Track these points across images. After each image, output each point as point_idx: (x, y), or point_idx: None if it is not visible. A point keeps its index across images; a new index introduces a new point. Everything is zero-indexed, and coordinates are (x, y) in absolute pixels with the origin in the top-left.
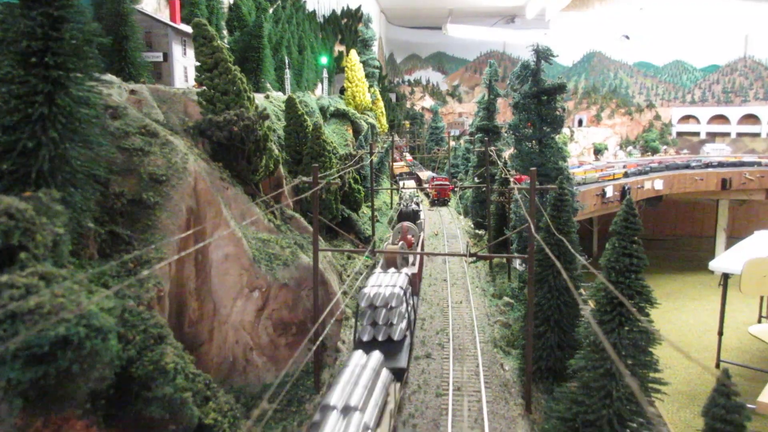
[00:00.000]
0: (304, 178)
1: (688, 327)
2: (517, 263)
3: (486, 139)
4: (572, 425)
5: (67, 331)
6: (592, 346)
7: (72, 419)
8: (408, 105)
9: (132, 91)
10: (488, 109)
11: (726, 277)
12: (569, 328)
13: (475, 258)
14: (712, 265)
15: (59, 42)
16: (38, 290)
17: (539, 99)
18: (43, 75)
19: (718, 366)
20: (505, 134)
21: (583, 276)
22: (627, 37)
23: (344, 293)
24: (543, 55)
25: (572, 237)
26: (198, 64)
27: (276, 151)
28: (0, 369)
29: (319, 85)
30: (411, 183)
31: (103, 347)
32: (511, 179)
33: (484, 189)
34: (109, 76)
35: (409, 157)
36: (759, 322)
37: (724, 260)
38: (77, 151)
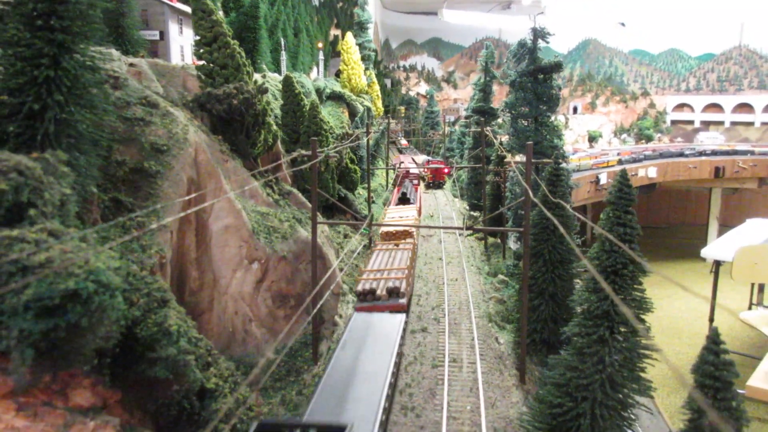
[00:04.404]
0: (303, 151)
1: (679, 313)
2: (511, 242)
3: (482, 120)
4: (566, 390)
5: (76, 285)
6: (585, 313)
7: (79, 376)
8: (403, 91)
9: (131, 64)
10: (484, 91)
11: (718, 264)
12: (563, 301)
13: (471, 231)
14: (704, 252)
15: (65, 5)
16: (48, 246)
17: (536, 77)
18: (48, 38)
19: None
20: (501, 113)
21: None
22: (623, 25)
23: (340, 269)
24: (540, 33)
25: (567, 211)
26: (197, 38)
27: (275, 127)
28: (13, 319)
29: (314, 69)
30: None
31: (111, 304)
32: (508, 156)
33: (480, 171)
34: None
35: (404, 141)
36: (750, 308)
37: (716, 248)
38: (82, 114)
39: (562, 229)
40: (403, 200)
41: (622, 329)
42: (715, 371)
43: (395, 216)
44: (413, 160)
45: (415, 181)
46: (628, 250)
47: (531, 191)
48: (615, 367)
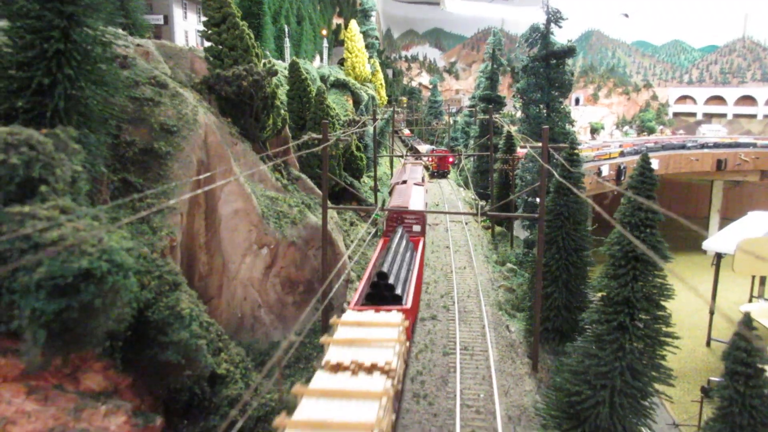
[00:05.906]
0: (314, 135)
1: (680, 306)
2: (519, 230)
3: (490, 107)
4: (584, 378)
5: (89, 265)
6: (605, 299)
7: (90, 360)
8: (405, 81)
9: (138, 45)
10: (491, 78)
11: (719, 256)
12: (577, 289)
13: (484, 217)
14: (706, 244)
15: None
16: (60, 223)
17: (548, 62)
18: (58, 9)
19: (708, 344)
20: (513, 98)
21: (591, 239)
22: (626, 16)
23: (349, 257)
24: (553, 17)
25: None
26: (205, 19)
27: (283, 111)
28: (25, 299)
29: (317, 57)
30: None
31: (124, 284)
32: (521, 141)
33: (486, 159)
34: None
35: (407, 131)
36: (750, 301)
37: (718, 240)
38: (93, 90)
39: (589, 201)
40: (381, 290)
41: (643, 316)
42: (747, 357)
43: (346, 355)
44: (424, 177)
45: (418, 227)
46: (683, 220)
47: (546, 177)
48: (635, 355)
